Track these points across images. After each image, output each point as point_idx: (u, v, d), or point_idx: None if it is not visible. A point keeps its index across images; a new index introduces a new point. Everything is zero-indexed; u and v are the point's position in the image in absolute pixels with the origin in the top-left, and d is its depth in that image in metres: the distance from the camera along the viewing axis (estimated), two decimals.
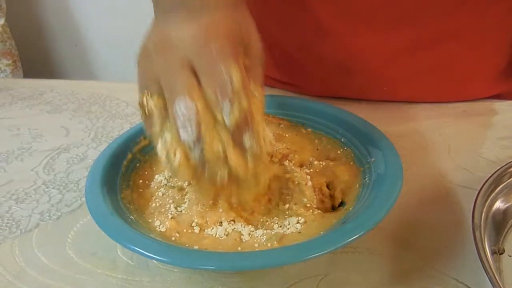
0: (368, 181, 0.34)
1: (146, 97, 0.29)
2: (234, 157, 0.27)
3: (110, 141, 0.40)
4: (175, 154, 0.28)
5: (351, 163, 0.38)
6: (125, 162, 0.38)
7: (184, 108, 0.27)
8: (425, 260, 0.31)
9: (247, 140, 0.27)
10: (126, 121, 0.54)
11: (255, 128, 0.27)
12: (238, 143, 0.27)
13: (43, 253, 0.34)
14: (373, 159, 0.36)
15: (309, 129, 0.43)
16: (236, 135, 0.27)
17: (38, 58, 1.64)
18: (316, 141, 0.42)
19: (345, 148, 0.40)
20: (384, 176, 0.33)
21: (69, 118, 0.56)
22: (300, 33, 0.50)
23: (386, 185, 0.32)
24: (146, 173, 0.39)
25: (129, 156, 0.39)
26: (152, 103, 0.29)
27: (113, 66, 1.61)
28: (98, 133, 0.52)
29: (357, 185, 0.35)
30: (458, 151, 0.43)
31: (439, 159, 0.42)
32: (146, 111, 0.29)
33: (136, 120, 0.54)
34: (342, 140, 0.40)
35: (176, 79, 0.27)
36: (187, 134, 0.27)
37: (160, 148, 0.29)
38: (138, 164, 0.39)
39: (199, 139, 0.27)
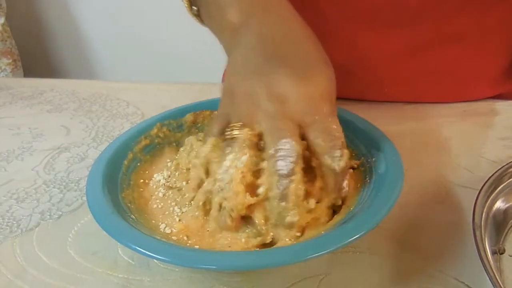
0: (368, 181, 0.34)
1: (236, 126, 0.32)
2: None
3: (111, 141, 0.40)
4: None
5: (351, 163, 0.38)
6: (125, 162, 0.38)
7: (289, 145, 0.30)
8: (425, 260, 0.31)
9: (344, 183, 0.31)
10: (127, 120, 0.54)
11: (348, 177, 0.32)
12: (339, 186, 0.31)
13: (44, 252, 0.34)
14: (373, 159, 0.36)
15: None
16: (339, 179, 0.31)
17: (38, 58, 1.64)
18: None
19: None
20: (385, 176, 0.33)
21: (70, 117, 0.56)
22: (323, 23, 0.50)
23: (387, 185, 0.32)
24: (147, 172, 0.39)
25: (130, 155, 0.39)
26: (240, 133, 0.31)
27: (113, 65, 1.61)
28: (98, 133, 0.52)
29: (358, 185, 0.35)
30: (459, 151, 0.43)
31: (440, 159, 0.42)
32: (229, 135, 0.32)
33: (136, 119, 0.54)
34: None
35: (283, 127, 0.30)
36: (282, 166, 0.30)
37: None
38: (138, 164, 0.39)
39: (290, 174, 0.30)
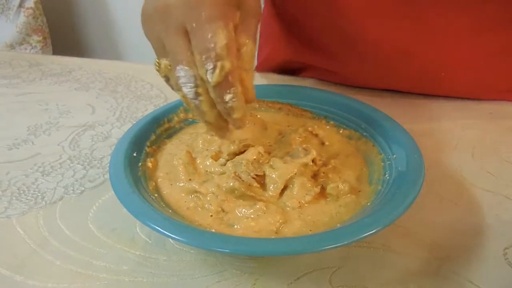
0: (388, 177, 0.34)
1: (158, 62, 0.33)
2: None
3: (134, 122, 0.41)
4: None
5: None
6: (148, 143, 0.39)
7: (183, 72, 0.31)
8: (440, 260, 0.31)
9: (228, 96, 0.30)
10: (150, 103, 0.55)
11: (236, 86, 0.30)
12: (220, 98, 0.31)
13: (66, 225, 0.35)
14: (394, 155, 0.35)
15: (332, 122, 0.43)
16: (217, 92, 0.31)
17: (67, 36, 1.67)
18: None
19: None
20: (405, 174, 0.33)
21: (96, 96, 0.57)
22: (357, 17, 0.48)
23: (406, 183, 0.32)
24: (167, 151, 0.40)
25: (153, 137, 0.39)
26: (163, 65, 0.33)
27: (139, 47, 1.63)
28: (122, 113, 0.53)
29: (376, 180, 0.35)
30: (482, 154, 0.42)
31: (462, 160, 0.41)
32: (161, 72, 0.34)
33: (160, 102, 0.55)
34: (364, 134, 0.40)
35: (174, 45, 0.31)
36: (187, 92, 0.32)
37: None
38: (161, 146, 0.40)
39: (196, 95, 0.31)
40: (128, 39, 1.65)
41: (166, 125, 0.41)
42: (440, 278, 0.30)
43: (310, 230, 0.31)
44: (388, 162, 0.36)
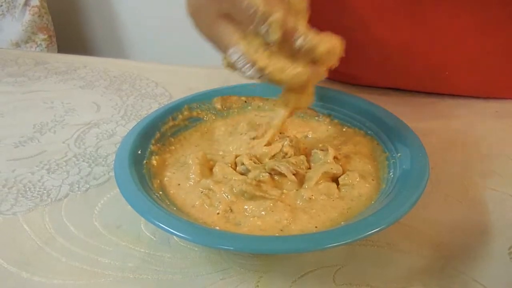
0: (392, 175, 0.34)
1: (225, 58, 0.33)
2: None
3: (139, 120, 0.41)
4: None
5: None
6: (153, 141, 0.39)
7: (236, 55, 0.31)
8: (445, 259, 0.31)
9: (300, 41, 0.30)
10: (155, 101, 0.55)
11: (299, 26, 0.30)
12: (293, 49, 0.30)
13: (71, 222, 0.36)
14: (399, 154, 0.35)
15: (336, 120, 0.43)
16: (288, 46, 0.30)
17: (72, 35, 1.68)
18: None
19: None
20: (410, 172, 0.33)
21: (101, 94, 0.58)
22: (362, 17, 0.48)
23: (411, 181, 0.32)
24: (174, 151, 0.40)
25: (157, 135, 0.40)
26: (227, 62, 0.33)
27: (144, 46, 1.63)
28: (127, 111, 0.53)
29: (380, 178, 0.35)
30: (488, 153, 0.42)
31: (468, 159, 0.41)
32: (228, 66, 0.34)
33: (164, 100, 0.55)
34: (369, 133, 0.40)
35: (219, 34, 0.31)
36: (248, 74, 0.31)
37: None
38: (165, 144, 0.40)
39: (261, 71, 0.31)
40: (133, 38, 1.65)
41: (171, 123, 0.41)
42: (445, 277, 0.30)
43: (316, 227, 0.31)
44: (393, 160, 0.36)
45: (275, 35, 0.29)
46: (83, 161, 0.44)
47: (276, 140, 0.38)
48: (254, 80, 0.33)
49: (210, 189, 0.34)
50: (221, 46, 0.32)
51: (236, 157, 0.37)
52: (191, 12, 0.33)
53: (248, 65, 0.31)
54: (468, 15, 0.45)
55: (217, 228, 0.31)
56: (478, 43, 0.47)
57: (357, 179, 0.34)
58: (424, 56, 0.49)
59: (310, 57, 0.31)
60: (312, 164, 0.36)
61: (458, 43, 0.47)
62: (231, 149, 0.39)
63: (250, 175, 0.35)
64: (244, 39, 0.30)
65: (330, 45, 0.31)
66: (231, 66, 0.33)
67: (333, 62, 0.32)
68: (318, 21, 0.52)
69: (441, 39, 0.47)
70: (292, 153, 0.37)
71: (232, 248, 0.28)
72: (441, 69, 0.49)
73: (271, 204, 0.32)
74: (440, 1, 0.45)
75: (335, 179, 0.35)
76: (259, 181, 0.34)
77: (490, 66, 0.49)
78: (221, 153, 0.39)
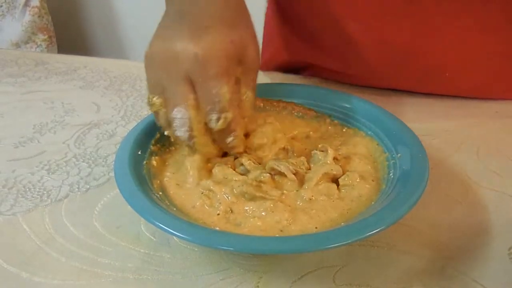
0: (392, 176, 0.34)
1: (152, 98, 0.36)
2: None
3: (139, 120, 0.41)
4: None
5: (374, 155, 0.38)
6: (153, 141, 0.39)
7: (180, 114, 0.34)
8: (445, 259, 0.31)
9: (229, 139, 0.36)
10: None
11: (238, 131, 0.36)
12: (223, 140, 0.36)
13: (71, 222, 0.36)
14: (399, 154, 0.35)
15: (336, 121, 0.43)
16: (220, 136, 0.36)
17: (72, 35, 1.68)
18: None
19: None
20: (410, 173, 0.33)
21: (101, 95, 0.58)
22: (361, 16, 0.48)
23: (411, 181, 0.32)
24: (174, 152, 0.40)
25: (157, 135, 0.40)
26: (158, 103, 0.35)
27: (144, 46, 1.63)
28: (127, 112, 0.53)
29: (380, 179, 0.35)
30: (487, 153, 0.42)
31: (467, 159, 0.41)
32: (154, 108, 0.36)
33: None
34: (369, 133, 0.40)
35: (177, 90, 0.34)
36: (181, 134, 0.35)
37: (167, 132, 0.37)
38: (165, 144, 0.40)
39: (190, 138, 0.35)
40: (133, 38, 1.65)
41: None
42: (445, 277, 0.30)
43: (316, 228, 0.31)
44: (393, 161, 0.36)
45: (218, 127, 0.34)
46: (83, 161, 0.44)
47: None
48: (166, 133, 0.37)
49: (210, 190, 0.34)
50: (171, 98, 0.34)
51: (235, 159, 0.37)
52: (158, 57, 0.34)
53: (184, 129, 0.35)
54: (468, 15, 0.45)
55: (217, 228, 0.31)
56: (478, 43, 0.47)
57: (357, 180, 0.34)
58: (424, 56, 0.49)
59: (226, 148, 0.37)
60: (312, 165, 0.36)
61: (458, 43, 0.47)
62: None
63: (251, 175, 0.35)
64: (194, 109, 0.34)
65: (241, 151, 0.37)
66: (156, 110, 0.36)
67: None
68: (318, 21, 0.53)
69: (441, 39, 0.47)
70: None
71: (232, 248, 0.28)
72: (441, 69, 0.49)
73: (271, 205, 0.32)
74: (440, 1, 0.45)
75: (335, 180, 0.35)
76: (260, 181, 0.34)
77: (490, 67, 0.49)
78: None
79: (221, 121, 0.34)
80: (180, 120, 0.34)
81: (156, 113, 0.36)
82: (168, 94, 0.34)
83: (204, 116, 0.34)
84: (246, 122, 0.37)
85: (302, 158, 0.36)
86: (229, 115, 0.34)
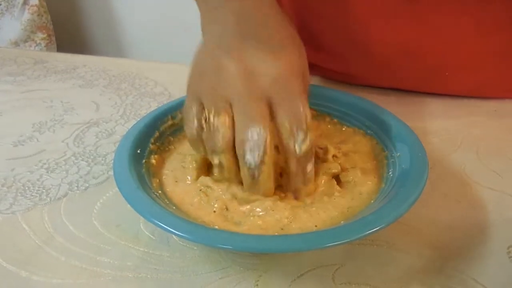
0: (391, 175, 0.34)
1: (211, 114, 0.32)
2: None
3: (138, 119, 0.41)
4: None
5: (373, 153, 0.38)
6: (152, 140, 0.39)
7: (257, 135, 0.30)
8: (445, 258, 0.31)
9: (309, 167, 0.32)
10: (154, 100, 0.55)
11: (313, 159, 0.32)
12: (302, 169, 0.32)
13: (70, 221, 0.36)
14: (398, 153, 0.35)
15: (335, 120, 0.43)
16: (302, 163, 0.31)
17: (71, 34, 1.68)
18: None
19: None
20: (409, 172, 0.33)
21: (100, 93, 0.58)
22: (361, 17, 0.48)
23: (410, 180, 0.32)
24: (173, 150, 0.40)
25: (157, 134, 0.40)
26: (219, 121, 0.31)
27: (144, 45, 1.63)
28: (126, 110, 0.53)
29: (380, 177, 0.35)
30: (487, 152, 0.42)
31: (467, 158, 0.41)
32: (210, 127, 0.32)
33: (163, 99, 0.55)
34: (368, 132, 0.40)
35: (253, 107, 0.30)
36: (252, 158, 0.31)
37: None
38: (164, 143, 0.40)
39: (260, 165, 0.31)
40: (132, 37, 1.65)
41: (170, 122, 0.41)
42: (444, 276, 0.30)
43: (316, 226, 0.31)
44: (392, 159, 0.36)
45: (305, 148, 0.31)
46: (82, 160, 0.44)
47: None
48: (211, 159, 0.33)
49: (208, 187, 0.34)
50: (242, 119, 0.31)
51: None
52: (231, 71, 0.32)
53: (258, 153, 0.30)
54: (468, 15, 0.45)
55: (216, 227, 0.31)
56: (478, 43, 0.47)
57: (359, 176, 0.34)
58: (424, 56, 0.49)
59: (301, 182, 0.33)
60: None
61: (458, 43, 0.47)
62: None
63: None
64: (271, 131, 0.30)
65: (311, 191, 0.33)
66: (221, 130, 0.31)
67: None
68: (318, 21, 0.53)
69: (441, 39, 0.47)
70: None
71: (231, 247, 0.28)
72: (441, 69, 0.49)
73: (271, 203, 0.32)
74: (440, 1, 0.45)
75: (335, 177, 0.35)
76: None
77: (490, 67, 0.49)
78: None
79: (307, 141, 0.30)
80: (255, 142, 0.30)
81: (210, 133, 0.32)
82: (241, 112, 0.31)
83: (286, 138, 0.31)
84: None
85: None
86: (313, 136, 0.31)
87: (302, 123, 0.30)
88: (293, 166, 0.31)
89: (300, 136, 0.30)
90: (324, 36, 0.53)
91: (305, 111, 0.31)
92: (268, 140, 0.30)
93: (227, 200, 0.33)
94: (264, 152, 0.30)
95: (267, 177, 0.31)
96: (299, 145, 0.30)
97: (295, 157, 0.31)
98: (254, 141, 0.30)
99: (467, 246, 0.32)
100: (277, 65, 0.31)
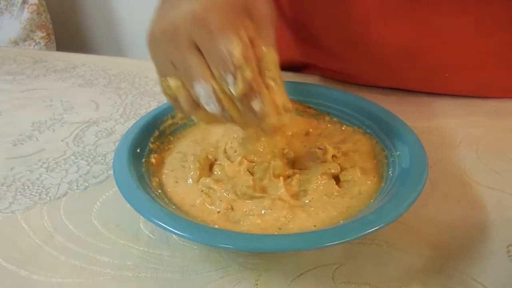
0: (391, 174, 0.34)
1: (165, 82, 0.32)
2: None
3: (138, 118, 0.41)
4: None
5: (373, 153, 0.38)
6: (152, 139, 0.39)
7: (203, 90, 0.29)
8: (444, 258, 0.31)
9: (256, 105, 0.29)
10: (154, 99, 0.55)
11: (263, 92, 0.29)
12: (249, 109, 0.30)
13: (70, 221, 0.36)
14: (398, 153, 0.35)
15: (335, 119, 0.43)
16: (245, 103, 0.29)
17: (71, 33, 1.68)
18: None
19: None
20: (409, 171, 0.33)
21: (99, 93, 0.58)
22: (361, 17, 0.48)
23: (410, 180, 0.32)
24: (173, 149, 0.40)
25: (156, 133, 0.40)
26: (175, 85, 0.31)
27: (143, 44, 1.63)
28: (126, 109, 0.53)
29: (380, 177, 0.35)
30: (486, 152, 0.42)
31: (466, 158, 0.41)
32: (171, 91, 0.32)
33: (163, 99, 0.55)
34: (368, 131, 0.40)
35: (188, 63, 0.29)
36: (212, 109, 0.30)
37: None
38: (164, 142, 0.40)
39: (223, 110, 0.30)
40: (132, 36, 1.65)
41: (170, 121, 0.41)
42: (443, 276, 0.30)
43: (315, 226, 0.31)
44: (392, 159, 0.36)
45: (239, 90, 0.28)
46: (82, 159, 0.43)
47: None
48: (194, 117, 0.32)
49: (210, 188, 0.34)
50: (185, 73, 0.30)
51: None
52: (159, 33, 0.31)
53: (213, 103, 0.30)
54: (468, 15, 0.45)
55: (216, 226, 0.31)
56: (478, 43, 0.47)
57: (359, 175, 0.34)
58: (424, 56, 0.49)
59: (257, 121, 0.31)
60: (311, 163, 0.36)
61: (458, 43, 0.47)
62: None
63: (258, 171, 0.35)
64: (213, 78, 0.29)
65: (276, 122, 0.31)
66: (175, 94, 0.31)
67: (271, 134, 0.33)
68: (318, 21, 0.53)
69: (441, 39, 0.47)
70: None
71: (231, 246, 0.28)
72: (441, 69, 0.49)
73: (270, 203, 0.32)
74: (440, 1, 0.45)
75: (334, 177, 0.35)
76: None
77: (490, 67, 0.49)
78: (212, 149, 0.39)
79: (239, 82, 0.28)
80: (205, 94, 0.29)
81: (174, 99, 0.32)
82: (182, 71, 0.30)
83: (221, 83, 0.29)
84: (276, 87, 0.31)
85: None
86: (247, 72, 0.28)
87: (227, 64, 0.28)
88: (240, 106, 0.30)
89: (229, 79, 0.28)
90: (323, 36, 0.53)
91: (228, 48, 0.28)
92: (215, 87, 0.29)
93: (232, 200, 0.33)
94: (218, 100, 0.29)
95: (237, 113, 0.30)
96: (232, 88, 0.28)
97: (236, 99, 0.29)
98: (204, 94, 0.29)
99: (466, 245, 0.32)
100: (192, 3, 0.29)
